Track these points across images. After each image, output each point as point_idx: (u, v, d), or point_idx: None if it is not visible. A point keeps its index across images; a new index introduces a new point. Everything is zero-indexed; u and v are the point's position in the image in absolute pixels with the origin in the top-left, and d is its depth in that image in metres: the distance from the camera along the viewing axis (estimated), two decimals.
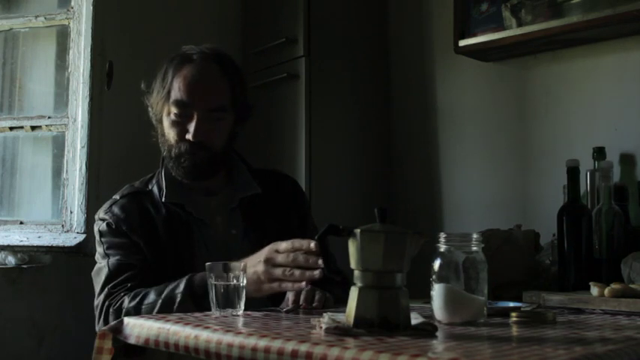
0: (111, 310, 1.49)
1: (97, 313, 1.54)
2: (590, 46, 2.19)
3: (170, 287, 1.45)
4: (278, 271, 1.37)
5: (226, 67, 1.65)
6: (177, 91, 1.59)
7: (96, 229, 1.65)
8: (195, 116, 1.59)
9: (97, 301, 1.55)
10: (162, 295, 1.44)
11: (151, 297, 1.45)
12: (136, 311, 1.44)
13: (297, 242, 1.37)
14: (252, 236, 1.64)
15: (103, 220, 1.62)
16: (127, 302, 1.47)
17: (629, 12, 1.96)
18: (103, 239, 1.61)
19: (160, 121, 1.64)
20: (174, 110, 1.60)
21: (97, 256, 1.62)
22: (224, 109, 1.63)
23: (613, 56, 2.16)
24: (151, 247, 1.58)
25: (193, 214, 1.63)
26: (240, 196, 1.68)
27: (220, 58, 1.65)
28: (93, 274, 1.61)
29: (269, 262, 1.38)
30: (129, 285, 1.51)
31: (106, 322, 1.49)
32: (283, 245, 1.38)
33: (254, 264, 1.40)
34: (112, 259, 1.57)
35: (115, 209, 1.62)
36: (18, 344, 2.19)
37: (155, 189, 1.66)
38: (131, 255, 1.57)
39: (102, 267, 1.58)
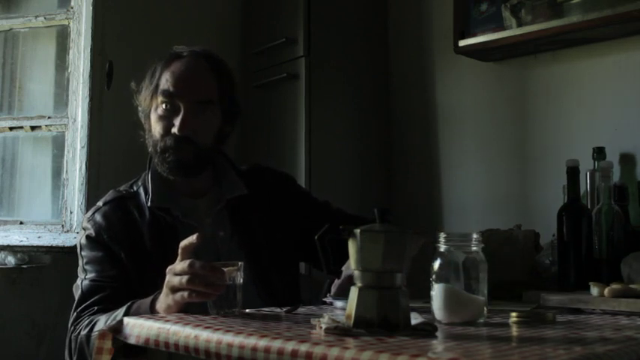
0: (72, 336, 1.48)
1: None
2: (590, 46, 2.19)
3: (115, 314, 1.42)
4: (175, 280, 1.29)
5: (214, 63, 1.64)
6: (164, 82, 1.58)
7: (78, 239, 1.64)
8: (182, 109, 1.57)
9: (69, 323, 1.53)
10: (107, 323, 1.40)
11: (100, 324, 1.42)
12: (87, 339, 1.42)
13: (183, 242, 1.31)
14: (239, 237, 1.63)
15: (85, 229, 1.61)
16: (82, 330, 1.45)
17: (629, 12, 1.96)
18: (82, 253, 1.59)
19: (148, 117, 1.62)
20: (160, 103, 1.58)
21: (78, 269, 1.61)
22: (211, 102, 1.61)
23: (613, 56, 2.16)
24: (135, 256, 1.56)
25: (180, 217, 1.60)
26: (226, 197, 1.66)
27: (209, 56, 1.65)
28: (73, 288, 1.60)
29: (170, 271, 1.31)
30: (95, 309, 1.49)
31: (69, 347, 1.48)
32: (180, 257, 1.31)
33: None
34: (87, 279, 1.55)
35: (97, 217, 1.60)
36: (18, 344, 2.19)
37: (141, 191, 1.63)
38: (107, 271, 1.54)
39: (78, 285, 1.57)
